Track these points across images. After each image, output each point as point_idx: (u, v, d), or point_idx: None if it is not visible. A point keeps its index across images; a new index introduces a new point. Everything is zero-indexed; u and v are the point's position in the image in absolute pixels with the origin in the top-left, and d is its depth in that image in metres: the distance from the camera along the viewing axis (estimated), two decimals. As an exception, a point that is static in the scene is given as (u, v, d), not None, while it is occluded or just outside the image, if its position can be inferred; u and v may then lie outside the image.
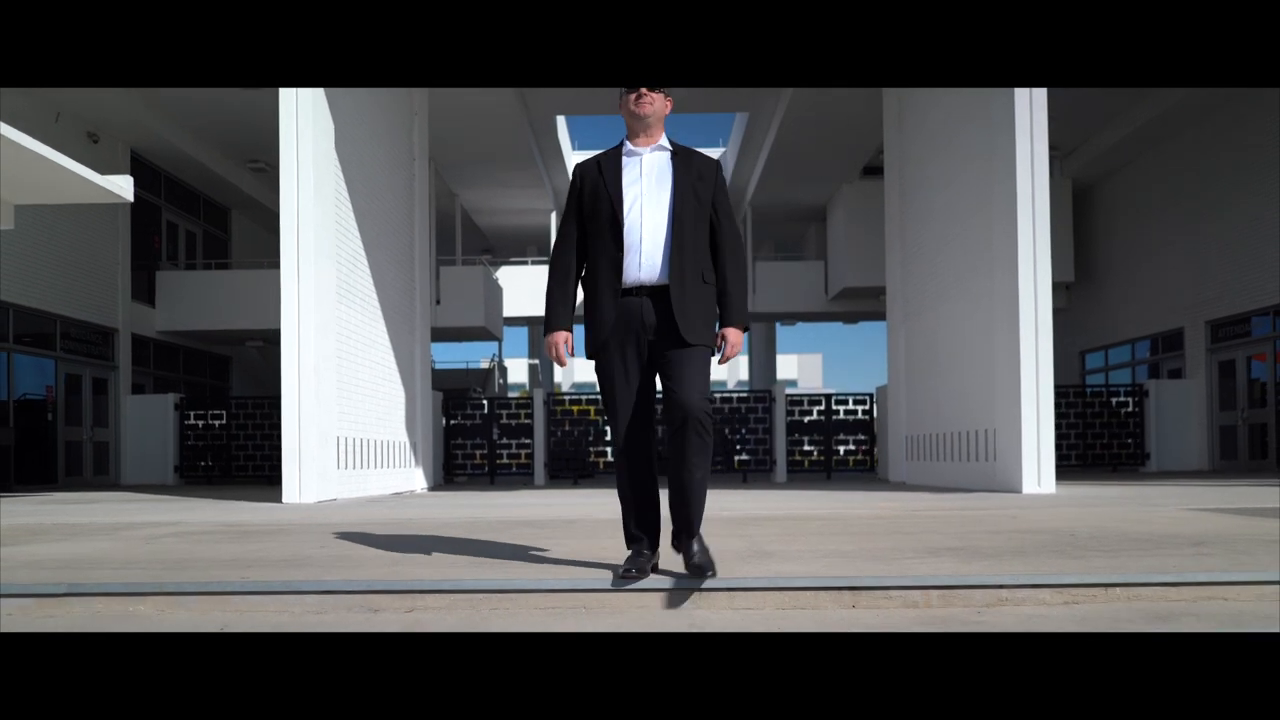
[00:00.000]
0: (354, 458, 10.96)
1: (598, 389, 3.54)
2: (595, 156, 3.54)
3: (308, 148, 9.60)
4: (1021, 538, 4.84)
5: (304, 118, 9.55)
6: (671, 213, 3.38)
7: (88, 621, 3.45)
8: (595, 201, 3.44)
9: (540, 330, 30.64)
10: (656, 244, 3.38)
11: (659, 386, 3.55)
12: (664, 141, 3.50)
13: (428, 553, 4.55)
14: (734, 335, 3.46)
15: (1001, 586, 3.49)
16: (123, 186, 9.60)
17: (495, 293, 22.72)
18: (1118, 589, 3.46)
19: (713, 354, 3.47)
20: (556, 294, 3.52)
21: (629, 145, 3.50)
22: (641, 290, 3.41)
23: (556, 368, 32.09)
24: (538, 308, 25.00)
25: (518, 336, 38.76)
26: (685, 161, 3.45)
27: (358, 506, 8.86)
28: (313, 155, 9.67)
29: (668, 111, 3.50)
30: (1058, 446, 16.59)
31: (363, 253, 11.34)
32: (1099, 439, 17.12)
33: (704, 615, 3.37)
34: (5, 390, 15.74)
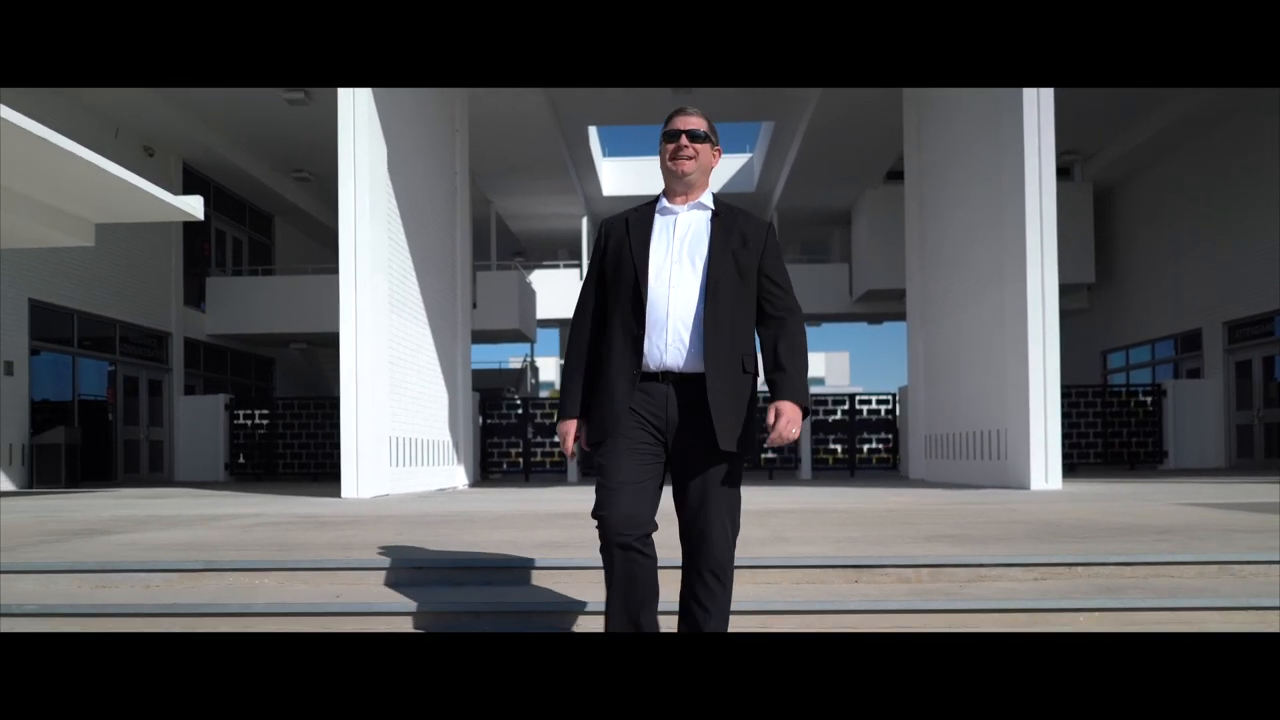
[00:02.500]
0: (403, 456, 11.73)
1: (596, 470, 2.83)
2: (625, 212, 2.96)
3: (364, 172, 10.37)
4: (1010, 527, 5.49)
5: (360, 143, 10.31)
6: (704, 285, 2.75)
7: (221, 592, 4.19)
8: (618, 266, 2.84)
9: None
10: (685, 322, 2.75)
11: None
12: (705, 199, 2.89)
13: (493, 537, 5.26)
14: (789, 409, 2.76)
15: (981, 565, 4.15)
16: (194, 206, 10.41)
17: (529, 296, 23.49)
18: (1079, 568, 4.11)
19: (747, 458, 2.87)
20: (574, 373, 2.90)
21: (664, 202, 2.90)
22: (666, 376, 2.77)
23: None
24: (567, 310, 25.76)
25: (548, 337, 39.53)
26: (726, 224, 2.84)
27: (411, 501, 9.62)
28: (369, 179, 10.43)
29: (715, 164, 2.92)
30: (1077, 444, 17.13)
31: (411, 264, 12.11)
32: (1117, 437, 17.60)
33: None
34: (70, 392, 16.69)
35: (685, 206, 2.88)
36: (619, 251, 2.87)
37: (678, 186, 2.87)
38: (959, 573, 4.14)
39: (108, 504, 9.50)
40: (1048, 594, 3.85)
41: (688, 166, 2.83)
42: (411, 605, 3.80)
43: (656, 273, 2.80)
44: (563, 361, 2.99)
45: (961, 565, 4.16)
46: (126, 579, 4.26)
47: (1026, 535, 5.05)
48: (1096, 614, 3.70)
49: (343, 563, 4.30)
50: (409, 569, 4.22)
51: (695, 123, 2.85)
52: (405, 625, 3.75)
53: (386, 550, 4.70)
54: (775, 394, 2.81)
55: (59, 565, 4.32)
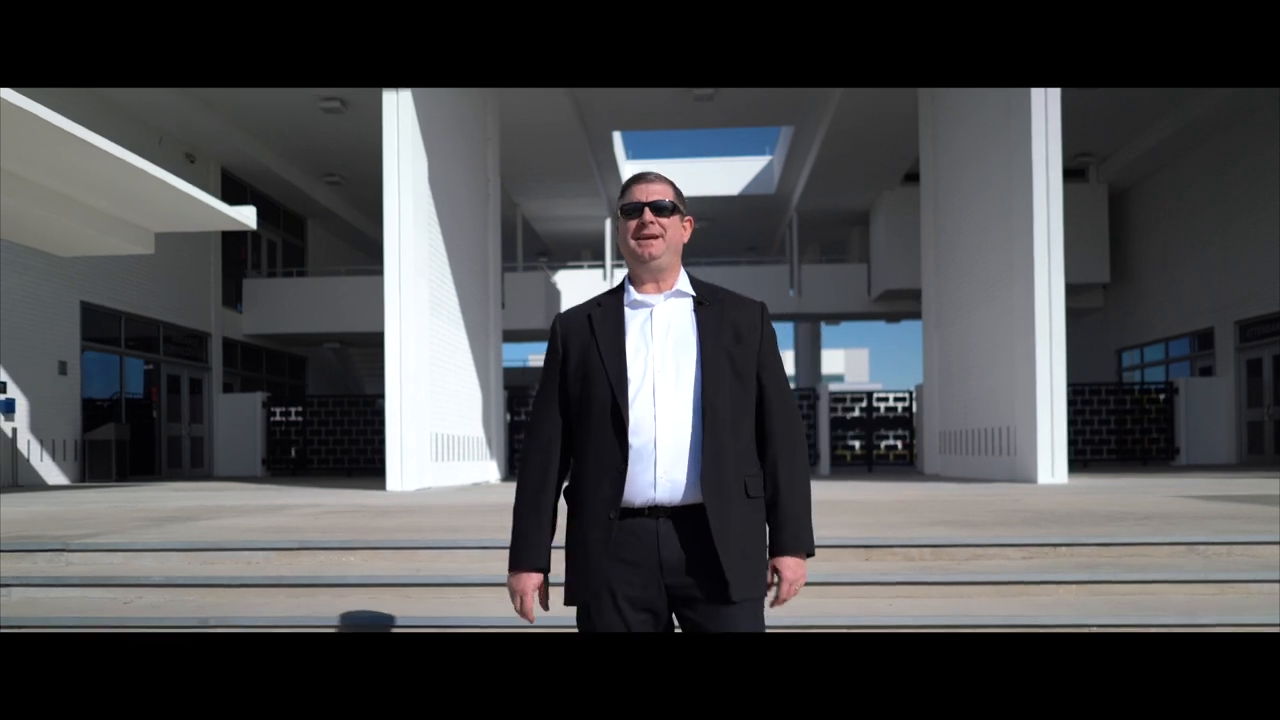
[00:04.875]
0: (442, 451, 12.39)
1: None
2: (585, 305, 2.38)
3: (408, 184, 11.03)
4: (1008, 514, 6.06)
5: (404, 157, 10.97)
6: (699, 398, 2.20)
7: (316, 567, 4.82)
8: (586, 380, 2.26)
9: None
10: (679, 447, 2.19)
11: None
12: (683, 283, 2.32)
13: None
14: (792, 569, 2.25)
15: (977, 545, 4.73)
16: (247, 216, 11.10)
17: (554, 296, 24.13)
18: (1063, 548, 4.69)
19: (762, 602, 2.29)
20: (527, 511, 2.31)
21: (631, 291, 2.32)
22: (657, 511, 2.20)
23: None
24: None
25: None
26: (715, 315, 2.29)
27: (454, 493, 10.26)
28: (412, 190, 11.10)
29: (686, 238, 2.36)
30: (1091, 440, 17.63)
31: (448, 269, 12.77)
32: (1130, 434, 18.06)
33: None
34: (119, 389, 17.46)
35: (661, 296, 2.30)
36: (585, 359, 2.27)
37: (645, 273, 2.30)
38: (958, 552, 4.72)
39: (171, 496, 10.19)
40: (1034, 570, 4.43)
41: (655, 247, 2.26)
42: (485, 578, 4.42)
43: (637, 388, 2.22)
44: (515, 494, 2.33)
45: (960, 545, 4.74)
46: (230, 556, 4.90)
47: (1021, 521, 5.62)
48: (1075, 586, 4.27)
49: (418, 543, 4.93)
50: (478, 548, 4.84)
51: (659, 191, 2.31)
52: (481, 595, 4.36)
53: (454, 533, 5.32)
54: (775, 541, 2.26)
55: (172, 544, 4.97)
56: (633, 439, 2.19)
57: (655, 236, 2.26)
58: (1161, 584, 4.24)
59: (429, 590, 4.39)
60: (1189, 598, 4.16)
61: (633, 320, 2.28)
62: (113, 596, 4.49)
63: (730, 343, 2.26)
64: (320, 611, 4.18)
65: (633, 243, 2.27)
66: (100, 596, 4.49)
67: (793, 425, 2.33)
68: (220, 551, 4.92)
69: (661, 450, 2.18)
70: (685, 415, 2.20)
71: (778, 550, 2.25)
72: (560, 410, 2.30)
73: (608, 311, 2.30)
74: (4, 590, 4.49)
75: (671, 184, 2.34)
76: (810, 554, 2.28)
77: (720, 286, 2.39)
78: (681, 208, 2.33)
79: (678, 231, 2.31)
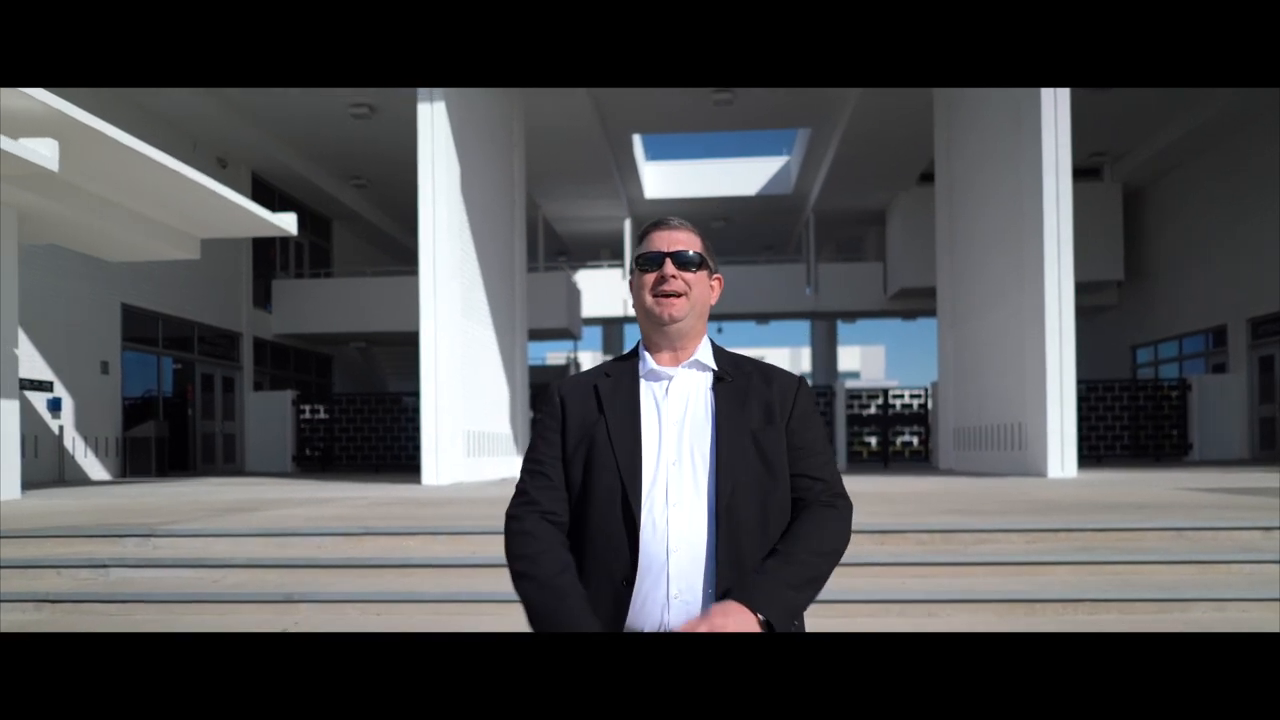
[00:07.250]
0: (474, 447, 12.89)
1: None
2: (590, 374, 1.94)
3: (442, 192, 11.54)
4: (1014, 504, 6.49)
5: (439, 166, 11.47)
6: (714, 494, 1.75)
7: (379, 551, 5.31)
8: (589, 467, 1.80)
9: (612, 331, 32.38)
10: (695, 559, 1.74)
11: None
12: (704, 354, 1.88)
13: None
14: (733, 614, 1.64)
15: (983, 531, 5.16)
16: (288, 222, 11.61)
17: (575, 296, 24.62)
18: (1062, 533, 5.12)
19: None
20: (548, 598, 1.75)
21: (648, 360, 1.88)
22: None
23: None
24: (607, 308, 26.86)
25: (589, 334, 40.81)
26: (739, 392, 1.85)
27: (488, 487, 10.74)
28: (446, 198, 11.60)
29: (714, 299, 1.94)
30: (1104, 437, 17.96)
31: (478, 271, 13.26)
32: (1144, 430, 18.37)
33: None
34: (156, 388, 18.04)
35: (678, 366, 1.87)
36: (590, 440, 1.82)
37: (661, 338, 1.87)
38: (965, 537, 5.15)
39: (217, 490, 10.72)
40: (1034, 552, 4.86)
41: (677, 307, 1.84)
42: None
43: (651, 482, 1.77)
44: (522, 585, 1.78)
45: (967, 531, 5.18)
46: (303, 541, 5.38)
47: (1026, 510, 6.04)
48: (1071, 566, 4.70)
49: (471, 528, 5.40)
50: (525, 533, 5.30)
51: (684, 241, 1.88)
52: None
53: (500, 520, 5.78)
54: (739, 586, 1.71)
55: (248, 530, 5.46)
56: (644, 544, 1.74)
57: (678, 294, 1.84)
58: (1150, 564, 4.66)
59: (486, 570, 4.86)
60: (1174, 576, 4.58)
61: (649, 391, 1.85)
62: (200, 576, 4.98)
63: (758, 424, 1.82)
64: (389, 588, 4.66)
65: (650, 300, 1.85)
66: (189, 576, 4.98)
67: (840, 497, 1.87)
68: (293, 536, 5.41)
69: (674, 562, 1.73)
70: (701, 518, 1.75)
71: (741, 596, 1.67)
72: (559, 480, 1.83)
73: (619, 383, 1.87)
74: (103, 570, 5.00)
75: (698, 233, 1.91)
76: (770, 626, 1.67)
77: (749, 357, 1.95)
78: (710, 262, 1.91)
79: (705, 290, 1.89)
